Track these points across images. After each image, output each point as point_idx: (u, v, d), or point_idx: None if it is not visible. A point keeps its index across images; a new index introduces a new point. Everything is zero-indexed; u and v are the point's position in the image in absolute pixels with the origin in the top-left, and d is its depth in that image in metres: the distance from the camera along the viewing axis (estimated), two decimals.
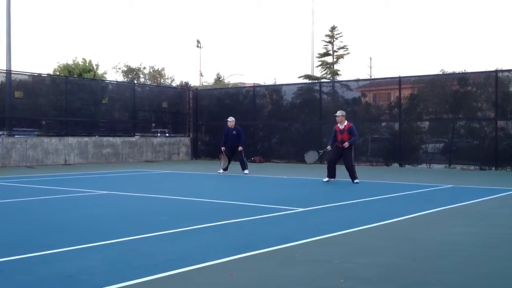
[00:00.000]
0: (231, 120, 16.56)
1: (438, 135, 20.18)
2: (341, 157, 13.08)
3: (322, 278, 4.50)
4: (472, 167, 18.40)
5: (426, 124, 20.31)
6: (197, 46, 55.20)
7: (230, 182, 14.04)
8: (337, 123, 13.14)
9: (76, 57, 38.30)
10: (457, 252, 5.47)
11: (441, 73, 22.53)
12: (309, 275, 4.56)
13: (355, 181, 12.82)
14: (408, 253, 5.44)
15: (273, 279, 4.44)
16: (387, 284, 4.32)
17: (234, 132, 16.37)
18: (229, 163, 16.31)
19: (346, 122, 13.07)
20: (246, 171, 15.93)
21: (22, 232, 6.58)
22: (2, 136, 19.38)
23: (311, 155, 14.29)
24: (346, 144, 12.79)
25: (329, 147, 13.36)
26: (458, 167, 18.74)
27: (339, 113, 13.21)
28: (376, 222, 7.15)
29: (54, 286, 4.24)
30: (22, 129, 20.82)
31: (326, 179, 13.11)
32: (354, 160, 13.11)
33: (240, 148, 16.18)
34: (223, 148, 16.45)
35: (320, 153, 14.21)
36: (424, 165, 19.54)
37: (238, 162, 16.28)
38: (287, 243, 5.76)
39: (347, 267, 4.82)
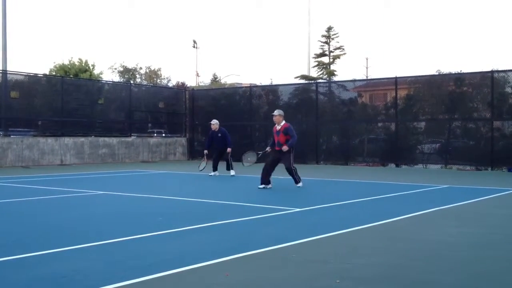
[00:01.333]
0: (214, 123, 16.19)
1: (434, 135, 20.23)
2: (279, 161, 11.76)
3: (317, 278, 4.49)
4: (468, 168, 18.43)
5: (422, 124, 20.34)
6: (194, 47, 55.18)
7: (225, 182, 14.01)
8: (275, 124, 11.79)
9: (72, 57, 38.42)
10: (452, 252, 5.47)
11: (437, 73, 22.60)
12: (305, 276, 4.56)
13: (298, 185, 11.64)
14: (404, 253, 5.45)
15: (268, 280, 4.43)
16: (382, 284, 4.32)
17: (220, 134, 15.97)
18: (217, 164, 16.07)
19: (283, 122, 11.70)
20: (232, 172, 15.58)
21: (17, 233, 6.56)
22: None
23: (249, 156, 13.58)
24: (285, 148, 11.46)
25: (268, 148, 12.21)
26: (454, 167, 18.78)
27: (276, 112, 11.81)
28: (372, 223, 7.15)
29: (48, 287, 4.23)
30: (18, 129, 20.75)
31: (261, 186, 11.59)
32: (294, 162, 11.69)
33: (228, 150, 15.72)
34: (206, 152, 16.20)
35: (259, 155, 13.19)
36: (420, 166, 19.57)
37: (225, 162, 15.82)
38: (283, 243, 5.75)
39: (343, 267, 4.82)
